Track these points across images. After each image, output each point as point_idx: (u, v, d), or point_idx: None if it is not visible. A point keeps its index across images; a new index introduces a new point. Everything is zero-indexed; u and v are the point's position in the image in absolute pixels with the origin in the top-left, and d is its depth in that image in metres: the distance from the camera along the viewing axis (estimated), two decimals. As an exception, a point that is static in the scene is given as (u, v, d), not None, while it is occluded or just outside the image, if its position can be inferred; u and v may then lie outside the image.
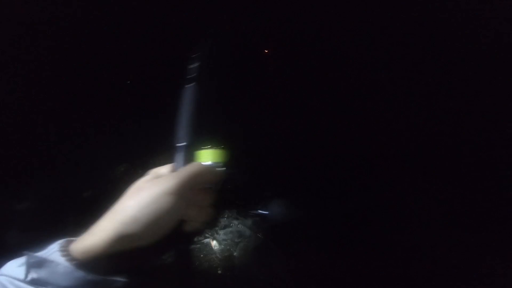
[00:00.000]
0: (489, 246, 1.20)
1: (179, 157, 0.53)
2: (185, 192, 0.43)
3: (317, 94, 1.50)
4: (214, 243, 1.15)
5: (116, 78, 1.28)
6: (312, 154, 1.38)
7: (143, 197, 0.42)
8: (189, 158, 0.53)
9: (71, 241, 0.42)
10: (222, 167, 0.55)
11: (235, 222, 1.19)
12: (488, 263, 1.19)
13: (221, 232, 1.12)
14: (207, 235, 1.15)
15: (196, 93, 0.56)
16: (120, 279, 0.41)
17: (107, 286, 0.40)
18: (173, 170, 0.50)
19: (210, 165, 0.53)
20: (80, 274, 0.39)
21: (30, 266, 0.39)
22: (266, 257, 1.13)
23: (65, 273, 0.38)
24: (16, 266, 0.40)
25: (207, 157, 0.54)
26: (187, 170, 0.46)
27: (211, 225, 0.54)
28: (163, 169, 0.51)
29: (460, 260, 1.22)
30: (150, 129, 0.97)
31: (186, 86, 0.58)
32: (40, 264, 0.39)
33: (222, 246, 1.12)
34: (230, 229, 1.16)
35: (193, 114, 0.56)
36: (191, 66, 0.59)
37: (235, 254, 1.11)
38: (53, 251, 0.41)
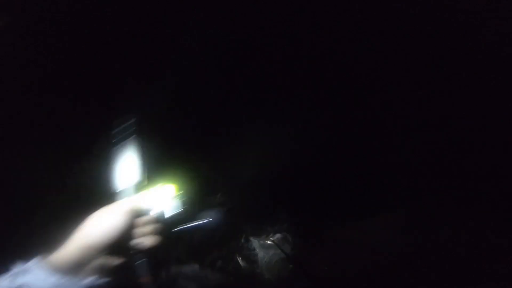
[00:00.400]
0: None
1: (124, 195, 0.72)
2: (128, 219, 0.64)
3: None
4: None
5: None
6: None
7: (96, 220, 0.63)
8: (131, 195, 0.72)
9: (49, 255, 0.59)
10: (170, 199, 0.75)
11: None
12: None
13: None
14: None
15: (133, 147, 0.76)
16: (87, 280, 0.59)
17: (77, 286, 0.58)
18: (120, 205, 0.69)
19: (147, 199, 0.73)
20: (56, 277, 0.56)
21: (16, 275, 0.55)
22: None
23: (45, 278, 0.55)
24: (5, 278, 0.56)
25: (165, 192, 0.75)
26: (126, 200, 0.68)
27: (158, 247, 0.72)
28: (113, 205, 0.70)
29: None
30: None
31: (125, 141, 0.78)
32: (25, 272, 0.56)
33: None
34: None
35: (132, 164, 0.76)
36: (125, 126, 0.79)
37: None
38: (35, 262, 0.58)
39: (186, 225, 0.79)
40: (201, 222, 0.80)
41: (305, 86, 1.57)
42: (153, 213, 0.72)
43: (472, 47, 1.32)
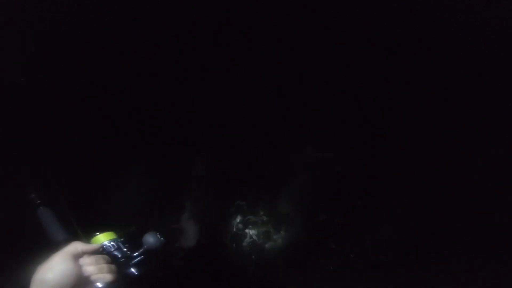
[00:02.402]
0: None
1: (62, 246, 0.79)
2: (71, 259, 0.72)
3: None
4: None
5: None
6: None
7: (40, 273, 0.69)
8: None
9: None
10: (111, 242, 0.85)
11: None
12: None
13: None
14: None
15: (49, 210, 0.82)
16: None
17: None
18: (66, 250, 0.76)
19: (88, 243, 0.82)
20: None
21: None
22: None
23: None
24: None
25: (103, 238, 0.83)
26: (65, 248, 0.75)
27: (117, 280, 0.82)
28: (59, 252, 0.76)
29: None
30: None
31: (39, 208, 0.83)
32: None
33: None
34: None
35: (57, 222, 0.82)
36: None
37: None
38: None
39: (136, 256, 0.91)
40: (145, 247, 0.92)
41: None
42: (98, 252, 0.80)
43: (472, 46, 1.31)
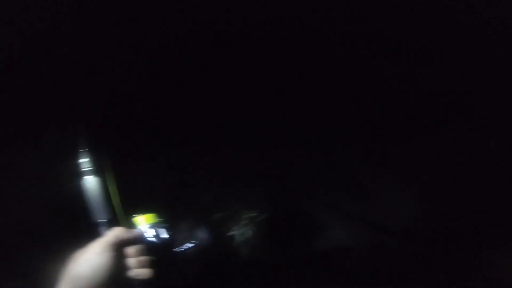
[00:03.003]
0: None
1: (102, 230, 0.66)
2: (111, 250, 0.59)
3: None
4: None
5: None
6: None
7: (79, 261, 0.57)
8: (111, 228, 0.66)
9: None
10: (151, 227, 0.72)
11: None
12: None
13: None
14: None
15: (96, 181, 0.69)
16: None
17: None
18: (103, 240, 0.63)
19: (131, 229, 0.68)
20: None
21: None
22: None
23: None
24: None
25: (143, 221, 0.71)
26: (108, 235, 0.63)
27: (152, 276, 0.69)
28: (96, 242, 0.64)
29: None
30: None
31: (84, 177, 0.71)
32: None
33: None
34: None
35: (102, 196, 0.69)
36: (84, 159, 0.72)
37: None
38: None
39: (177, 249, 0.76)
40: (190, 245, 0.77)
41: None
42: (140, 242, 0.67)
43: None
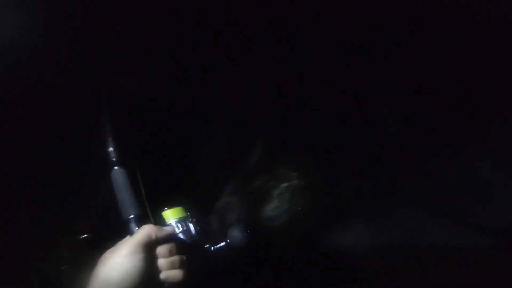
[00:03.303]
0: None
1: (131, 227, 0.61)
2: (143, 251, 0.53)
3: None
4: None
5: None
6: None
7: (107, 263, 0.52)
8: (139, 225, 0.61)
9: None
10: (179, 222, 0.66)
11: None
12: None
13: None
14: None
15: (123, 173, 0.64)
16: None
17: None
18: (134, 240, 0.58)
19: (162, 225, 0.63)
20: None
21: None
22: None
23: None
24: None
25: (172, 215, 0.65)
26: (137, 234, 0.56)
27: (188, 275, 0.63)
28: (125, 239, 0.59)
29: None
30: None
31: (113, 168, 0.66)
32: None
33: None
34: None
35: (129, 190, 0.64)
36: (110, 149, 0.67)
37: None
38: None
39: (207, 248, 0.70)
40: (222, 244, 0.70)
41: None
42: (172, 240, 0.61)
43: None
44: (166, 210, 0.69)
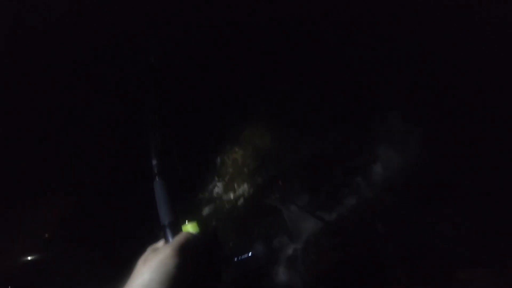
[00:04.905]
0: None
1: (167, 232, 0.69)
2: (182, 255, 0.58)
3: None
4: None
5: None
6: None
7: (150, 266, 0.56)
8: (174, 232, 0.69)
9: None
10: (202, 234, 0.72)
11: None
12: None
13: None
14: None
15: (163, 184, 0.73)
16: None
17: None
18: (165, 243, 0.65)
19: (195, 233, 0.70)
20: None
21: None
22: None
23: None
24: None
25: (189, 229, 0.71)
26: (177, 238, 0.63)
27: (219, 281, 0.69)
28: (158, 244, 0.66)
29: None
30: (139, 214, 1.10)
31: (156, 179, 0.75)
32: None
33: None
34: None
35: (167, 199, 0.73)
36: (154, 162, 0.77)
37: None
38: None
39: (232, 258, 0.75)
40: (245, 256, 0.75)
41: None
42: (205, 249, 0.68)
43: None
44: (186, 224, 0.75)
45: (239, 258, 0.75)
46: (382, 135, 1.55)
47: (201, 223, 0.73)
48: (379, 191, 1.49)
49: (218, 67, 1.60)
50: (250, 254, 0.75)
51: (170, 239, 0.67)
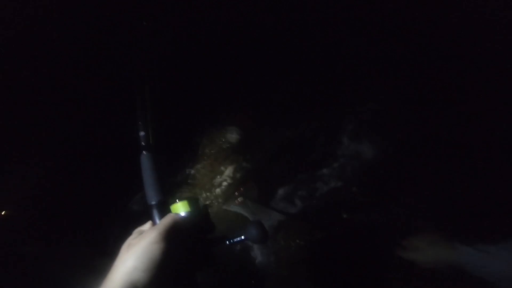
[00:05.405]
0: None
1: (154, 213, 0.62)
2: (169, 239, 0.53)
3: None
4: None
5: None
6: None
7: (133, 252, 0.51)
8: (162, 212, 0.62)
9: None
10: (193, 214, 0.66)
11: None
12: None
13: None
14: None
15: (150, 158, 0.66)
16: None
17: None
18: (153, 225, 0.59)
19: (183, 214, 0.63)
20: None
21: None
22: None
23: None
24: None
25: (179, 209, 0.64)
26: (164, 221, 0.57)
27: (209, 264, 0.64)
28: (144, 226, 0.60)
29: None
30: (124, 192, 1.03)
31: (142, 152, 0.68)
32: None
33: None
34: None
35: (155, 175, 0.66)
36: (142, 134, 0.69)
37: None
38: None
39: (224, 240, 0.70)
40: (238, 239, 0.70)
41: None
42: (194, 232, 0.62)
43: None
44: (176, 202, 0.67)
45: (232, 241, 0.70)
46: (351, 128, 1.61)
47: (192, 202, 0.65)
48: (347, 181, 1.55)
49: (206, 53, 1.56)
50: (243, 237, 0.70)
51: (157, 220, 0.61)
